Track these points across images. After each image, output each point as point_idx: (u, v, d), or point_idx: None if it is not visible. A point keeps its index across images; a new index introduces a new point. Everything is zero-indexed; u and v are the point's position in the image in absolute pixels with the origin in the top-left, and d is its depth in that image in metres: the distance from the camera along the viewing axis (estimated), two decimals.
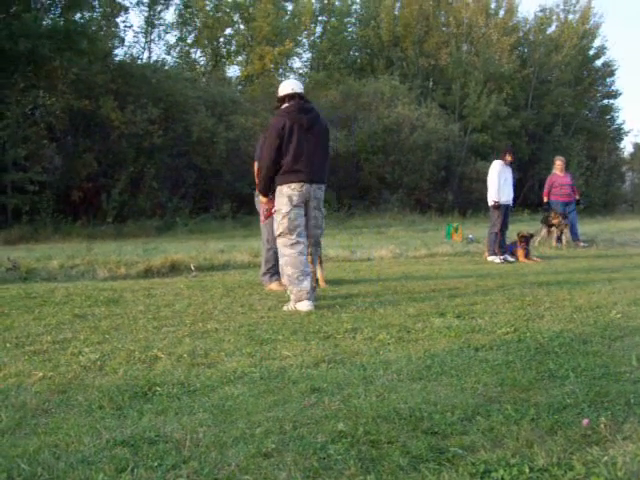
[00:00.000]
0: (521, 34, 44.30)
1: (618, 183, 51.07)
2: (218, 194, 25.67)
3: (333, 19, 40.67)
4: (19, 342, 5.00)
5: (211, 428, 2.99)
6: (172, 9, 41.27)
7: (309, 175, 6.58)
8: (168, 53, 34.19)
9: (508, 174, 12.28)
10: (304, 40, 39.77)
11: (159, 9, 32.31)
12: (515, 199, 12.90)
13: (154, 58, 32.18)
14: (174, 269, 10.56)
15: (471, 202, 32.16)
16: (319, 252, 7.82)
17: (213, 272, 10.35)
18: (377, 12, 41.54)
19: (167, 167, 24.49)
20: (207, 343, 4.82)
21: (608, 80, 48.64)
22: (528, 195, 34.74)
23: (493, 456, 2.56)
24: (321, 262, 8.29)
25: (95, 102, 22.63)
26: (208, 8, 35.09)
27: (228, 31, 36.38)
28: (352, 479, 2.44)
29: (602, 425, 2.85)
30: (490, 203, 12.11)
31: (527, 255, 12.17)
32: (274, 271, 8.01)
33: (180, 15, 34.13)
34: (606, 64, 47.96)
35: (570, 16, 46.11)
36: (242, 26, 36.52)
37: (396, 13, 42.33)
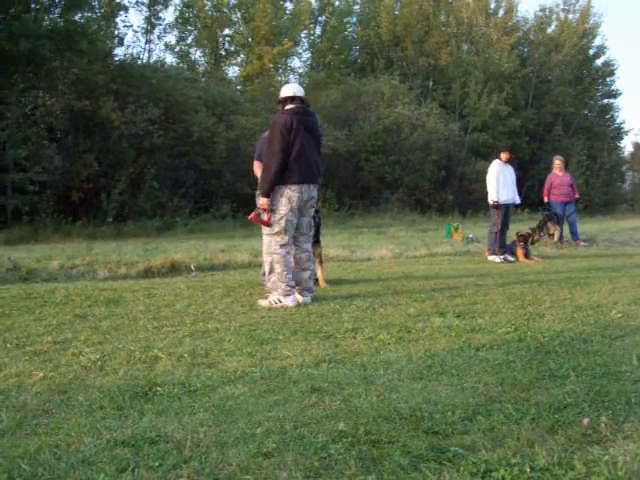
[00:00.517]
0: (521, 34, 44.27)
1: (618, 183, 51.05)
2: (218, 194, 25.65)
3: (333, 19, 40.62)
4: (20, 342, 5.00)
5: (212, 428, 2.99)
6: (172, 9, 41.25)
7: (309, 176, 6.68)
8: (170, 52, 34.19)
9: (508, 173, 12.26)
10: (303, 40, 39.75)
11: (159, 9, 32.31)
12: (520, 196, 12.88)
13: (154, 58, 32.22)
14: (174, 269, 10.55)
15: (471, 202, 32.13)
16: (319, 251, 7.85)
17: (214, 272, 10.34)
18: (377, 12, 41.49)
19: (167, 167, 24.46)
20: (208, 343, 4.82)
21: (608, 79, 48.61)
22: (528, 195, 34.65)
23: (494, 456, 2.57)
24: (321, 262, 8.30)
25: (95, 102, 22.61)
26: (207, 8, 35.06)
27: (227, 31, 36.38)
28: (353, 479, 2.44)
29: (603, 424, 2.86)
30: (490, 203, 12.10)
31: (527, 255, 12.16)
32: None
33: (180, 15, 34.12)
34: (606, 63, 47.93)
35: (570, 15, 46.10)
36: (241, 26, 36.49)
37: (396, 13, 42.31)
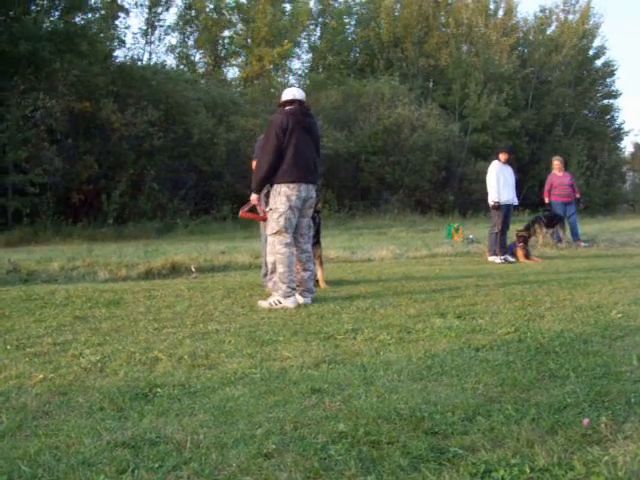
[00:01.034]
0: (521, 34, 44.27)
1: (619, 183, 51.05)
2: (219, 195, 25.65)
3: (332, 20, 40.64)
4: (20, 344, 5.00)
5: (212, 429, 2.99)
6: (172, 11, 41.32)
7: (307, 175, 6.72)
8: (167, 55, 34.24)
9: (507, 174, 12.27)
10: (303, 41, 39.77)
11: (160, 10, 32.36)
12: (519, 198, 12.87)
13: (154, 60, 32.26)
14: (175, 270, 10.56)
15: (471, 202, 32.11)
16: (319, 252, 7.85)
17: (214, 273, 10.36)
18: (377, 13, 41.52)
19: (167, 169, 24.47)
20: (208, 344, 4.82)
21: (608, 80, 48.61)
22: (528, 195, 34.64)
23: (494, 456, 2.57)
24: (321, 263, 8.30)
25: (95, 104, 22.64)
26: (208, 9, 35.09)
27: (227, 32, 36.40)
28: (353, 479, 2.44)
29: (603, 425, 2.86)
30: (490, 204, 12.10)
31: (527, 255, 12.17)
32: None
33: (181, 16, 34.13)
34: (606, 64, 47.91)
35: (570, 16, 46.09)
36: (241, 27, 36.51)
37: (396, 14, 42.33)
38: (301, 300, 6.74)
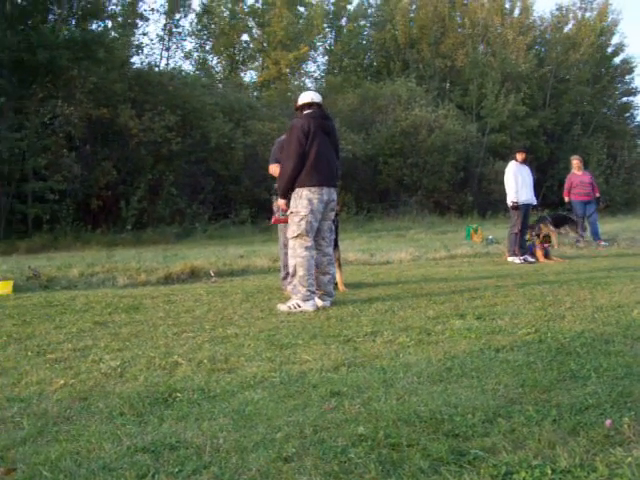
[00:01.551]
0: (537, 33, 44.07)
1: (639, 181, 50.60)
2: (237, 200, 25.74)
3: (348, 23, 40.67)
4: (40, 350, 5.03)
5: (231, 433, 2.99)
6: (190, 16, 41.44)
7: (329, 179, 6.73)
8: (185, 60, 34.40)
9: (525, 174, 12.21)
10: (319, 44, 39.82)
11: (178, 17, 32.54)
12: (537, 197, 12.79)
13: (171, 66, 32.41)
14: (194, 275, 10.59)
15: (490, 203, 32.02)
16: (337, 255, 7.83)
17: (233, 277, 10.37)
18: (392, 15, 41.48)
19: (185, 174, 24.59)
20: (227, 348, 4.82)
21: (627, 77, 48.28)
22: (548, 195, 34.47)
23: (515, 458, 2.54)
24: (340, 266, 8.29)
25: (113, 110, 22.79)
26: (224, 15, 35.22)
27: (244, 37, 36.53)
28: None
29: (625, 425, 2.82)
30: (509, 204, 12.05)
31: (547, 255, 12.09)
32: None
33: (199, 22, 34.28)
34: (625, 61, 47.56)
35: (587, 14, 45.81)
36: (257, 31, 36.62)
37: (411, 15, 42.29)
38: (320, 303, 6.73)
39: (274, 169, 7.99)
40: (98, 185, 22.07)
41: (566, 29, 45.37)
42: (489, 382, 3.62)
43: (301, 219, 6.64)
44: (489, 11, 40.74)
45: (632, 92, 48.85)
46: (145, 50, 30.84)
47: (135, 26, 29.41)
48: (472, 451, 2.64)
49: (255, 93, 35.08)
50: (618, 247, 14.89)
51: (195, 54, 35.19)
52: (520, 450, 2.63)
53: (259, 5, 36.09)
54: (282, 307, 6.59)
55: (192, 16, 34.39)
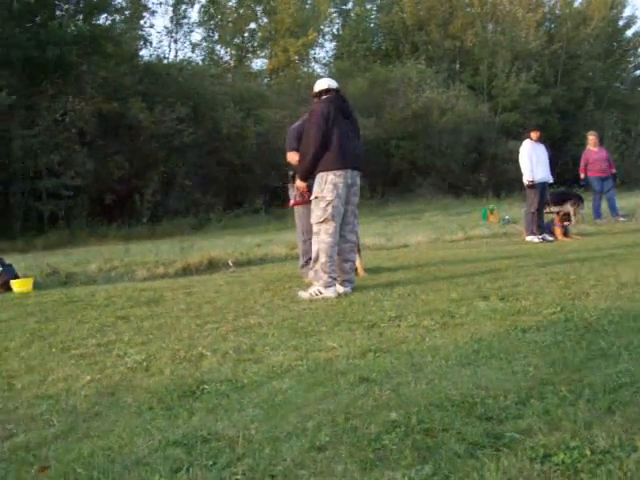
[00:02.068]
0: (547, 9, 43.69)
1: None
2: (250, 189, 25.73)
3: (355, 7, 40.45)
4: (65, 346, 5.03)
5: (262, 424, 2.96)
6: (197, 7, 41.29)
7: (353, 162, 6.66)
8: (193, 51, 34.31)
9: (540, 152, 12.12)
10: (327, 30, 39.64)
11: (184, 8, 32.48)
12: (553, 175, 12.68)
13: (180, 57, 32.37)
14: (212, 266, 10.59)
15: (505, 183, 31.88)
16: (358, 241, 7.77)
17: (251, 267, 10.36)
18: None
19: (198, 165, 24.58)
20: (251, 338, 4.80)
21: None
22: (563, 172, 34.23)
23: (551, 439, 2.50)
24: (359, 251, 8.24)
25: (124, 104, 22.77)
26: (231, 4, 35.12)
27: (252, 25, 36.37)
28: (409, 469, 2.39)
29: None
30: (525, 183, 11.96)
31: (566, 233, 12.00)
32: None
33: (205, 12, 34.19)
34: (637, 34, 47.09)
35: None
36: (265, 19, 36.48)
37: None
38: (341, 290, 6.68)
39: (292, 156, 7.92)
40: (111, 179, 22.08)
41: (576, 4, 45.07)
42: (518, 363, 3.58)
43: (327, 204, 6.53)
44: None
45: None
46: (153, 42, 30.81)
47: (142, 18, 29.37)
48: (507, 434, 2.59)
49: (265, 81, 34.96)
50: (637, 222, 14.77)
51: (203, 44, 35.13)
52: (556, 431, 2.59)
53: None
54: (304, 294, 6.55)
55: (198, 7, 34.32)
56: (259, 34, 36.42)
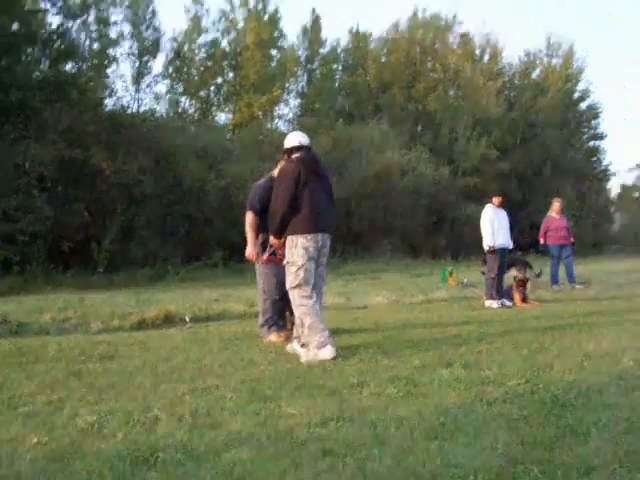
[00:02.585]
0: (506, 78, 44.87)
1: (607, 224, 51.42)
2: (210, 242, 25.44)
3: (320, 66, 40.96)
4: (12, 402, 4.79)
5: None
6: (162, 59, 41.38)
7: (323, 225, 6.54)
8: (158, 103, 34.30)
9: (502, 217, 12.21)
10: (292, 87, 39.99)
11: (147, 58, 32.57)
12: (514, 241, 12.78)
13: (144, 107, 32.33)
14: (169, 320, 10.33)
15: (463, 246, 32.13)
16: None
17: (209, 323, 10.12)
18: (364, 59, 41.94)
19: (158, 216, 24.32)
20: (208, 401, 4.63)
21: (593, 122, 49.33)
22: (519, 238, 34.69)
23: None
24: None
25: (86, 151, 22.54)
26: (197, 58, 35.31)
27: (217, 80, 36.52)
28: None
29: None
30: (485, 248, 12.00)
31: (524, 299, 12.04)
32: (272, 322, 7.84)
33: (170, 63, 34.31)
34: (591, 107, 48.70)
35: (554, 60, 47.02)
36: (230, 74, 36.70)
37: (383, 60, 42.80)
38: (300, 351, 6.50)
39: (249, 217, 7.85)
40: (70, 227, 21.70)
41: (534, 75, 46.42)
42: (486, 439, 3.48)
43: (298, 268, 6.40)
44: (460, 57, 41.41)
45: (599, 137, 49.92)
46: (118, 92, 30.63)
47: (108, 67, 29.38)
48: None
49: (228, 136, 34.96)
50: (593, 290, 14.91)
51: (167, 96, 35.14)
52: None
53: (227, 47, 36.18)
54: (303, 358, 6.24)
55: (163, 59, 34.49)
56: (224, 88, 36.57)
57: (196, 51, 35.25)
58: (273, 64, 36.81)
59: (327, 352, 6.19)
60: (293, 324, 6.85)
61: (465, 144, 37.54)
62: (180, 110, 35.52)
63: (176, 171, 25.06)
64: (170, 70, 34.55)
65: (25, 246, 20.29)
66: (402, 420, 3.92)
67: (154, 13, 32.73)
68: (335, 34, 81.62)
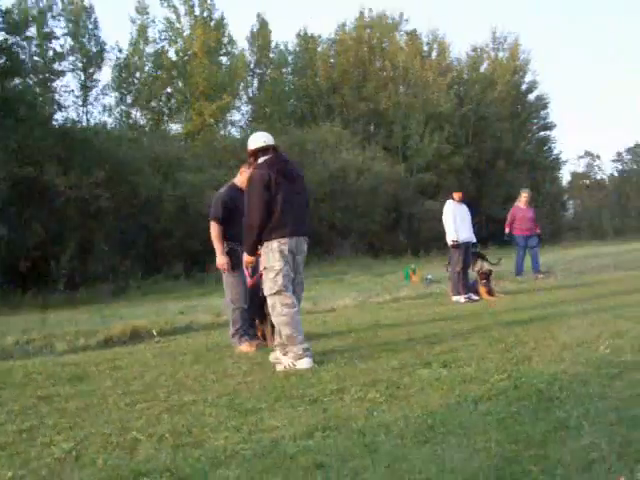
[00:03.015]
0: (455, 73, 45.19)
1: (561, 212, 52.16)
2: (169, 253, 25.14)
3: (270, 71, 40.85)
4: None
5: None
6: (107, 71, 40.86)
7: (298, 228, 6.32)
8: (110, 115, 33.90)
9: (464, 212, 12.26)
10: (242, 93, 39.79)
11: (93, 71, 32.19)
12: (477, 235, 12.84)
13: (93, 120, 31.91)
14: (135, 336, 10.11)
15: (422, 242, 32.28)
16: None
17: (176, 336, 9.92)
18: (313, 61, 41.94)
19: (116, 230, 23.94)
20: (187, 419, 4.49)
21: (542, 113, 50.02)
22: (477, 231, 34.99)
23: None
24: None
25: (38, 168, 22.08)
26: (147, 68, 34.97)
27: (167, 89, 36.18)
28: None
29: None
30: (449, 243, 12.02)
31: (490, 292, 12.06)
32: (243, 332, 7.72)
33: (118, 75, 33.92)
34: (539, 98, 49.44)
35: (500, 54, 47.63)
36: (180, 83, 36.37)
37: (332, 61, 42.84)
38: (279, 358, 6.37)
39: (214, 227, 7.73)
40: (26, 246, 21.26)
41: (482, 69, 46.87)
42: (478, 440, 3.42)
43: (276, 274, 6.20)
44: (408, 54, 41.59)
45: (548, 126, 50.62)
46: (66, 106, 30.14)
47: (52, 81, 28.93)
48: None
49: (182, 144, 34.61)
50: (555, 279, 15.05)
51: (117, 108, 34.71)
52: None
53: (173, 57, 35.91)
54: (279, 367, 6.14)
55: (110, 71, 34.06)
56: (175, 98, 36.23)
57: (145, 61, 34.89)
58: (223, 70, 36.57)
59: (305, 363, 6.05)
60: (273, 330, 6.68)
61: (418, 141, 37.76)
62: (131, 122, 35.14)
63: (131, 183, 24.70)
64: (117, 82, 34.17)
65: None
66: (389, 426, 3.84)
67: (96, 25, 32.46)
68: (283, 38, 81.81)
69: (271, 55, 41.27)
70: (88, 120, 31.75)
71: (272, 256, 6.21)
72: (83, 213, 22.79)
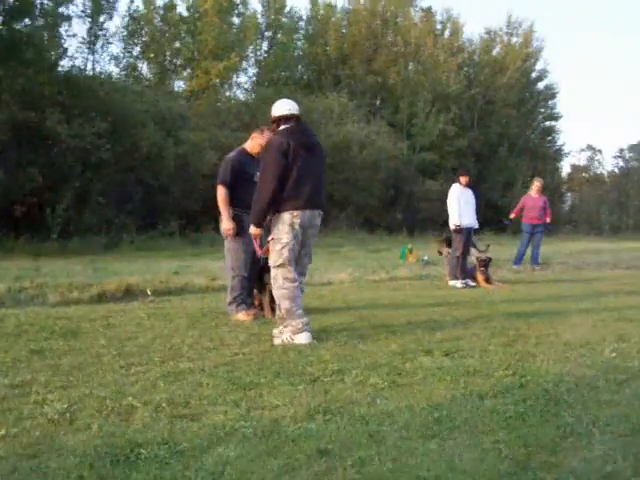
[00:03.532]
0: (467, 55, 44.83)
1: (559, 204, 52.07)
2: (166, 211, 24.94)
3: (281, 35, 40.35)
4: None
5: None
6: (117, 20, 40.26)
7: (313, 200, 6.15)
8: (117, 65, 33.41)
9: (469, 197, 12.17)
10: (250, 55, 39.33)
11: (103, 19, 31.63)
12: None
13: (98, 69, 31.44)
14: (129, 293, 10.03)
15: (419, 221, 32.21)
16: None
17: (171, 297, 9.82)
18: (325, 29, 41.48)
19: (114, 182, 23.68)
20: (184, 388, 4.38)
21: (550, 102, 49.73)
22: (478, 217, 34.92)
23: None
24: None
25: (41, 114, 21.78)
26: (156, 21, 34.45)
27: (175, 44, 35.68)
28: None
29: None
30: (452, 227, 11.93)
31: (488, 279, 11.98)
32: (240, 300, 7.61)
33: (127, 27, 33.41)
34: (548, 87, 49.12)
35: (513, 39, 47.15)
36: (188, 39, 35.87)
37: (344, 31, 42.39)
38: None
39: (221, 191, 7.60)
40: (22, 191, 21.01)
41: (494, 52, 46.42)
42: (486, 439, 3.33)
43: (283, 247, 6.06)
44: (421, 31, 41.20)
45: (554, 117, 50.35)
46: (72, 53, 29.62)
47: (59, 26, 28.44)
48: None
49: (185, 102, 34.20)
50: (553, 272, 15.00)
51: (124, 59, 34.20)
52: None
53: (185, 13, 35.36)
54: (276, 340, 6.03)
55: (119, 20, 33.53)
56: (183, 53, 35.74)
57: (155, 14, 34.38)
58: (233, 31, 36.09)
59: (303, 338, 5.96)
60: (272, 300, 6.55)
61: (424, 119, 37.48)
62: (137, 74, 34.69)
63: (133, 137, 24.42)
64: (126, 33, 33.67)
65: None
66: (394, 415, 3.74)
67: None
68: (297, 2, 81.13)
69: (283, 20, 40.70)
70: (94, 69, 31.30)
71: (281, 228, 6.07)
72: (82, 163, 22.52)
